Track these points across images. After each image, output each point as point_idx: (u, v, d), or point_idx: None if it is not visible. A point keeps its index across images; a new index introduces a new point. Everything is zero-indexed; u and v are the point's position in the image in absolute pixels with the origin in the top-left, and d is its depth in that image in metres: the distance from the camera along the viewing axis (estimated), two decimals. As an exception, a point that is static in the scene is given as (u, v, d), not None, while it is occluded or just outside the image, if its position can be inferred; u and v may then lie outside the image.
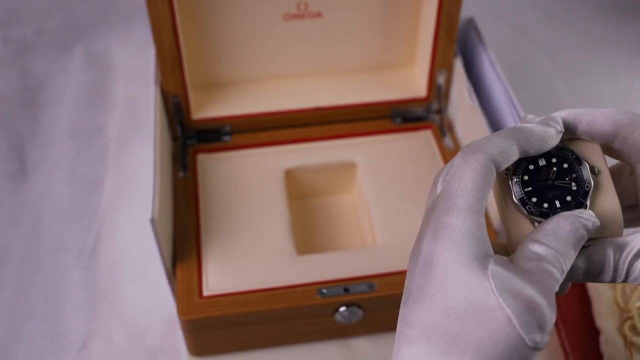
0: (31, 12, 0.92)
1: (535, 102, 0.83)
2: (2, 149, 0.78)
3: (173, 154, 0.67)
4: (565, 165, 0.37)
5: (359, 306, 0.57)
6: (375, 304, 0.57)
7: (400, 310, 0.34)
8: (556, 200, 0.37)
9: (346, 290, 0.56)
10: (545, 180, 0.37)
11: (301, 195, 0.69)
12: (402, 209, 0.63)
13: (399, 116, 0.71)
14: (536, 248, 0.34)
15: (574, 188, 0.37)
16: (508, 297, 0.31)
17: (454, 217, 0.34)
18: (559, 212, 0.36)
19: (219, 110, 0.69)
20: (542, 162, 0.38)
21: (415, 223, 0.62)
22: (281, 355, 0.60)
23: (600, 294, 0.60)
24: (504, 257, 0.34)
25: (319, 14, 0.67)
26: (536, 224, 0.37)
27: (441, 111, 0.71)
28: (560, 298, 0.61)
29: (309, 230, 0.67)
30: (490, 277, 0.32)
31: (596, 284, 0.60)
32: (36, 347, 0.62)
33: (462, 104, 0.68)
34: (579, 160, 0.37)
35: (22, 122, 0.81)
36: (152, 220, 0.52)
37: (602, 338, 0.57)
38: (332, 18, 0.67)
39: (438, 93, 0.70)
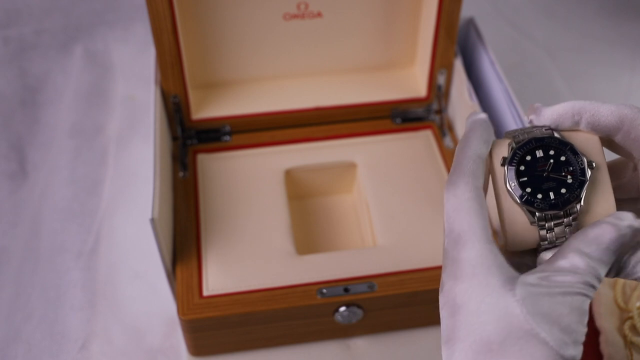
0: (31, 12, 0.92)
1: (535, 102, 0.83)
2: (1, 149, 0.78)
3: (173, 154, 0.67)
4: (563, 158, 0.37)
5: (359, 306, 0.57)
6: (375, 304, 0.57)
7: (442, 352, 0.34)
8: (551, 191, 0.37)
9: (346, 290, 0.56)
10: (542, 171, 0.37)
11: (301, 195, 0.69)
12: (402, 209, 0.63)
13: (399, 116, 0.71)
14: (575, 260, 0.34)
15: (570, 181, 0.37)
16: (541, 321, 0.31)
17: (468, 252, 0.34)
18: (552, 203, 0.36)
19: (219, 110, 0.69)
20: (539, 154, 0.38)
21: (415, 223, 0.62)
22: (281, 355, 0.60)
23: (600, 294, 0.60)
24: (531, 275, 0.33)
25: (319, 14, 0.67)
26: (537, 214, 0.37)
27: (441, 111, 0.71)
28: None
29: (309, 230, 0.67)
30: (520, 303, 0.32)
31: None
32: (36, 347, 0.62)
33: (462, 104, 0.68)
34: (576, 154, 0.37)
35: (21, 122, 0.81)
36: (152, 220, 0.52)
37: (602, 338, 0.57)
38: (332, 18, 0.67)
39: (438, 93, 0.70)
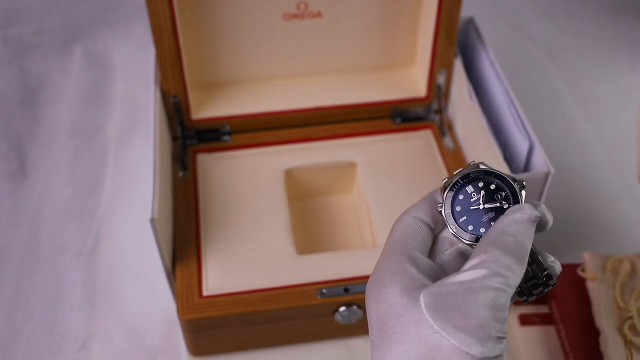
0: (31, 12, 0.92)
1: (535, 102, 0.83)
2: (1, 149, 0.78)
3: (173, 154, 0.67)
4: (493, 187, 0.38)
5: (359, 306, 0.57)
6: (376, 304, 0.57)
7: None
8: (492, 222, 0.37)
9: (346, 290, 0.56)
10: (477, 206, 0.38)
11: (301, 195, 0.69)
12: (402, 209, 0.63)
13: (399, 116, 0.71)
14: (481, 257, 0.34)
15: (506, 207, 0.37)
16: (442, 322, 0.32)
17: (383, 260, 0.37)
18: None
19: (219, 110, 0.69)
20: (470, 190, 0.38)
21: (416, 223, 0.62)
22: (281, 355, 0.60)
23: (601, 294, 0.60)
24: (438, 283, 0.34)
25: (319, 14, 0.67)
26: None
27: (441, 111, 0.71)
28: (560, 298, 0.61)
29: (309, 230, 0.67)
30: (423, 308, 0.33)
31: (596, 284, 0.60)
32: (36, 347, 0.62)
33: (462, 104, 0.68)
34: (503, 179, 0.38)
35: (21, 122, 0.81)
36: (152, 220, 0.52)
37: (602, 338, 0.57)
38: (332, 18, 0.67)
39: (438, 93, 0.70)
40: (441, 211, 0.38)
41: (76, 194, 0.73)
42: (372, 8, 0.67)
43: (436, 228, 0.39)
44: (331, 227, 0.67)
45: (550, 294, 0.62)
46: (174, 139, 0.68)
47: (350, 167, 0.68)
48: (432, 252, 0.39)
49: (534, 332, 0.61)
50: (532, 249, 0.36)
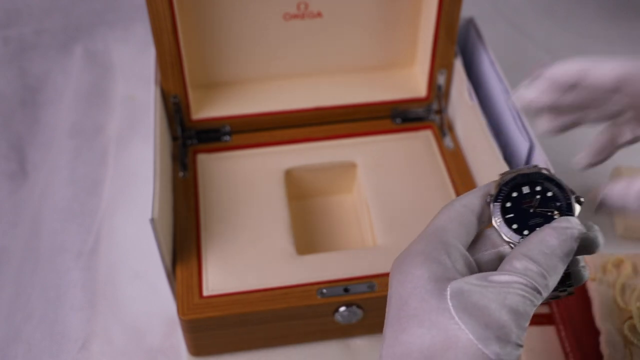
0: (31, 12, 0.92)
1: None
2: (2, 149, 0.78)
3: (173, 154, 0.67)
4: (550, 194, 0.37)
5: (359, 306, 0.57)
6: (375, 304, 0.57)
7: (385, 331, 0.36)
8: (537, 227, 0.37)
9: (346, 290, 0.56)
10: (528, 207, 0.37)
11: (301, 195, 0.69)
12: (402, 209, 0.63)
13: (399, 116, 0.71)
14: (517, 264, 0.34)
15: (556, 216, 0.37)
16: (464, 315, 0.32)
17: (420, 241, 0.36)
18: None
19: (219, 110, 0.69)
20: (526, 190, 0.38)
21: (415, 223, 0.62)
22: (281, 355, 0.60)
23: (601, 294, 0.60)
24: (471, 276, 0.34)
25: (319, 14, 0.67)
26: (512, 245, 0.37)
27: (441, 111, 0.71)
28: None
29: (309, 230, 0.67)
30: (448, 297, 0.33)
31: (596, 284, 0.60)
32: (36, 347, 0.62)
33: (462, 104, 0.68)
34: (562, 189, 0.37)
35: (21, 122, 0.81)
36: (152, 220, 0.52)
37: (602, 338, 0.57)
38: (332, 18, 0.67)
39: (438, 93, 0.70)
40: (490, 202, 0.38)
41: (76, 194, 0.73)
42: (372, 8, 0.67)
43: (483, 222, 0.38)
44: (331, 227, 0.67)
45: (550, 294, 0.62)
46: (174, 139, 0.68)
47: (350, 167, 0.68)
48: (471, 246, 0.38)
49: (534, 332, 0.61)
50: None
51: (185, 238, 0.60)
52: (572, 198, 0.37)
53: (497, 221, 0.37)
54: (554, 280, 0.34)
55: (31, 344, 0.62)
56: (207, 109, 0.69)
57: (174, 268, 0.58)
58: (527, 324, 0.33)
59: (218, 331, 0.57)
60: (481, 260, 0.38)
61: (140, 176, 0.74)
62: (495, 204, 0.38)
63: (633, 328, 0.57)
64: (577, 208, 0.37)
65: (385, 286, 0.56)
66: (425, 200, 0.64)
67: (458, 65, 0.68)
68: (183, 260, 0.59)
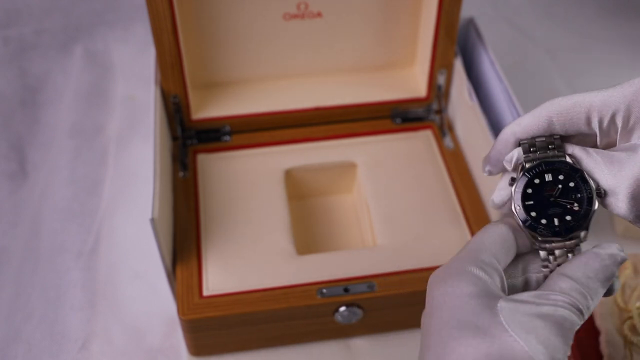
0: (31, 12, 0.92)
1: (535, 102, 0.83)
2: (1, 149, 0.78)
3: (173, 154, 0.67)
4: (572, 184, 0.37)
5: (359, 306, 0.57)
6: (375, 304, 0.57)
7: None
8: (555, 218, 0.36)
9: (346, 290, 0.56)
10: (549, 196, 0.37)
11: (301, 195, 0.69)
12: (402, 209, 0.63)
13: (399, 116, 0.71)
14: (563, 284, 0.35)
15: (576, 209, 0.36)
16: (517, 329, 0.33)
17: (466, 256, 0.36)
18: (556, 230, 0.36)
19: (219, 110, 0.69)
20: (548, 178, 0.37)
21: (415, 223, 0.62)
22: (281, 355, 0.60)
23: (601, 294, 0.60)
24: (520, 294, 0.35)
25: (319, 14, 0.67)
26: (538, 241, 0.37)
27: (441, 111, 0.71)
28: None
29: (309, 230, 0.67)
30: (499, 313, 0.33)
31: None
32: (36, 347, 0.62)
33: (462, 104, 0.68)
34: (585, 181, 0.37)
35: (21, 122, 0.81)
36: (152, 220, 0.52)
37: (602, 338, 0.57)
38: (332, 18, 0.67)
39: (438, 93, 0.70)
40: (511, 185, 0.38)
41: (76, 194, 0.73)
42: (372, 8, 0.67)
43: (520, 246, 0.38)
44: (331, 227, 0.67)
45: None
46: (174, 138, 0.68)
47: (350, 167, 0.68)
48: (505, 270, 0.38)
49: (534, 332, 0.61)
50: None
51: (185, 238, 0.60)
52: (594, 191, 0.36)
53: (516, 208, 0.37)
54: (594, 303, 0.35)
55: (31, 344, 0.62)
56: (207, 109, 0.69)
57: (174, 268, 0.58)
58: (571, 342, 0.34)
59: (218, 331, 0.57)
60: (511, 283, 0.38)
61: (140, 176, 0.74)
62: (517, 189, 0.37)
63: (633, 328, 0.57)
64: (597, 202, 0.36)
65: (386, 286, 0.57)
66: (425, 200, 0.64)
67: (458, 65, 0.68)
68: (183, 260, 0.59)
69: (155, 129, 0.59)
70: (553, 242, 0.37)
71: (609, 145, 0.38)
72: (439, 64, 0.68)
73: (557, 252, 0.37)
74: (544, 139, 0.38)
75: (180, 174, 0.66)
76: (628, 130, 0.37)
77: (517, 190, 0.37)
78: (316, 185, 0.69)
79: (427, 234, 0.61)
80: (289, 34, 0.68)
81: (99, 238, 0.70)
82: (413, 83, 0.72)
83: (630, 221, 0.37)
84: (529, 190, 0.37)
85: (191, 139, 0.69)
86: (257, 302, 0.56)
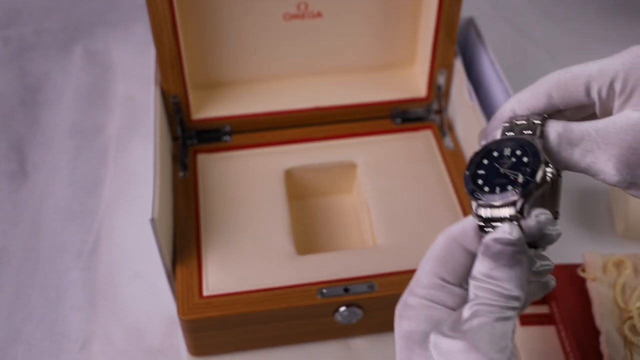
0: (31, 12, 0.92)
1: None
2: (1, 149, 0.78)
3: (173, 154, 0.67)
4: (525, 159, 0.36)
5: (359, 306, 0.57)
6: (375, 304, 0.57)
7: None
8: (498, 187, 0.36)
9: (346, 290, 0.56)
10: (499, 167, 0.37)
11: (301, 195, 0.69)
12: (402, 209, 0.63)
13: (399, 116, 0.71)
14: (472, 287, 0.34)
15: (520, 180, 0.36)
16: None
17: (407, 296, 0.36)
18: (493, 196, 0.36)
19: (219, 110, 0.69)
20: (507, 152, 0.37)
21: (415, 223, 0.62)
22: (281, 355, 0.60)
23: (601, 294, 0.60)
24: (456, 314, 0.34)
25: (319, 14, 0.67)
26: (475, 203, 0.36)
27: (441, 111, 0.71)
28: (561, 298, 0.61)
29: (309, 230, 0.67)
30: (430, 347, 0.33)
31: (596, 284, 0.60)
32: (36, 347, 0.62)
33: (462, 104, 0.68)
34: (537, 157, 0.36)
35: (21, 122, 0.81)
36: (152, 220, 0.52)
37: (602, 338, 0.57)
38: (332, 18, 0.67)
39: (438, 93, 0.70)
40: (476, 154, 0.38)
41: (76, 194, 0.73)
42: (372, 8, 0.67)
43: (472, 248, 0.37)
44: (331, 227, 0.67)
45: (550, 293, 0.62)
46: (174, 139, 0.68)
47: (350, 167, 0.68)
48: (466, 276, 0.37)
49: (534, 332, 0.61)
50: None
51: (185, 238, 0.60)
52: (541, 165, 0.36)
53: (466, 172, 0.37)
54: (514, 286, 0.33)
55: (31, 344, 0.62)
56: (207, 109, 0.69)
57: (174, 268, 0.58)
58: (509, 340, 0.33)
59: (218, 331, 0.57)
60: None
61: (140, 176, 0.74)
62: (473, 157, 0.38)
63: (633, 328, 0.57)
64: (540, 174, 0.35)
65: (386, 286, 0.57)
66: (425, 200, 0.64)
67: (458, 65, 0.68)
68: (183, 260, 0.59)
69: (155, 129, 0.59)
70: (488, 207, 0.36)
71: (607, 116, 0.38)
72: (439, 64, 0.68)
73: (494, 224, 0.36)
74: (524, 122, 0.38)
75: (180, 174, 0.66)
76: (625, 99, 0.36)
77: (473, 159, 0.38)
78: (316, 185, 0.69)
79: (427, 234, 0.61)
80: (289, 34, 0.68)
81: (99, 238, 0.70)
82: (413, 83, 0.72)
83: (624, 189, 0.36)
84: (485, 161, 0.37)
85: (191, 139, 0.69)
86: (257, 302, 0.56)
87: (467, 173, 0.37)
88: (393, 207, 0.64)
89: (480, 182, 0.37)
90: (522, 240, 0.34)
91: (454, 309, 0.36)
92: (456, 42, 0.67)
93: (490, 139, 0.40)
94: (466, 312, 0.34)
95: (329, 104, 0.70)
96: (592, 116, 0.39)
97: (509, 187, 0.36)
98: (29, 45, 0.89)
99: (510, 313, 0.33)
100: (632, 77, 0.36)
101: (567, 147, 0.36)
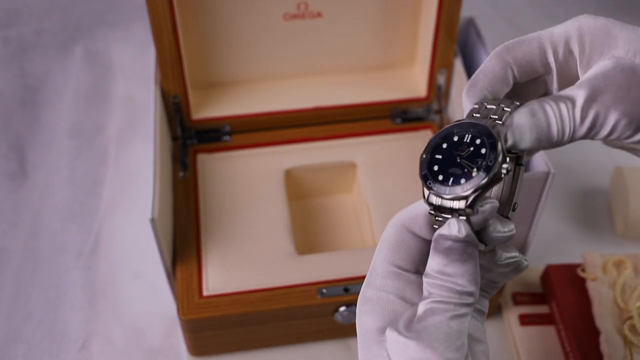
0: (31, 12, 0.92)
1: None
2: (2, 149, 0.78)
3: (173, 154, 0.67)
4: (483, 151, 0.35)
5: (359, 306, 0.57)
6: (375, 304, 0.57)
7: None
8: (452, 177, 0.34)
9: (346, 290, 0.57)
10: (457, 155, 0.35)
11: (301, 195, 0.69)
12: (402, 209, 0.63)
13: (399, 116, 0.71)
14: (425, 284, 0.33)
15: (474, 174, 0.34)
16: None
17: (364, 289, 0.35)
18: (444, 187, 0.34)
19: (219, 110, 0.69)
20: (467, 138, 0.35)
21: (415, 223, 0.62)
22: (281, 355, 0.60)
23: (601, 294, 0.60)
24: (408, 315, 0.34)
25: (319, 14, 0.67)
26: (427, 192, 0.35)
27: (441, 111, 0.71)
28: (561, 298, 0.61)
29: (309, 230, 0.67)
30: (386, 346, 0.33)
31: (596, 284, 0.60)
32: (36, 347, 0.62)
33: (462, 104, 0.68)
34: (495, 150, 0.34)
35: (21, 122, 0.81)
36: (152, 220, 0.52)
37: (602, 338, 0.57)
38: (332, 18, 0.67)
39: (438, 93, 0.70)
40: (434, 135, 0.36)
41: (76, 194, 0.73)
42: (372, 8, 0.67)
43: (424, 234, 0.36)
44: (331, 227, 0.67)
45: (550, 294, 0.62)
46: (174, 138, 0.68)
47: (350, 167, 0.68)
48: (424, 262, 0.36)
49: (533, 332, 0.61)
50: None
51: (185, 238, 0.60)
52: (497, 163, 0.34)
53: (423, 156, 0.36)
54: (467, 281, 0.33)
55: (31, 344, 0.62)
56: (207, 109, 0.69)
57: (174, 268, 0.58)
58: (462, 339, 0.32)
59: (218, 331, 0.57)
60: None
61: (140, 176, 0.74)
62: (434, 140, 0.36)
63: (633, 328, 0.57)
64: (494, 171, 0.34)
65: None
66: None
67: (458, 65, 0.68)
68: (183, 260, 0.59)
69: (155, 129, 0.59)
70: (440, 197, 0.35)
71: (568, 85, 0.36)
72: (439, 64, 0.68)
73: (443, 214, 0.35)
74: (494, 107, 0.37)
75: (180, 174, 0.66)
76: (587, 60, 0.35)
77: (431, 141, 0.36)
78: (316, 185, 0.69)
79: (427, 234, 0.61)
80: (289, 34, 0.68)
81: (99, 238, 0.70)
82: (413, 83, 0.72)
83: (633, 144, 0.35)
84: (444, 145, 0.36)
85: (191, 139, 0.69)
86: (257, 302, 0.56)
87: (424, 156, 0.36)
88: (393, 207, 0.64)
89: (435, 168, 0.35)
90: (471, 236, 0.33)
91: (411, 302, 0.35)
92: (456, 42, 0.67)
93: (475, 98, 0.38)
94: (420, 309, 0.33)
95: (329, 104, 0.70)
96: (545, 94, 0.37)
97: (462, 181, 0.34)
98: (29, 45, 0.89)
99: (464, 310, 0.32)
100: (587, 38, 0.35)
101: (558, 118, 0.34)
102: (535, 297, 0.64)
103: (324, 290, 0.56)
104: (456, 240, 0.33)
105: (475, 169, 0.34)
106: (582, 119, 0.34)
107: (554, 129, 0.34)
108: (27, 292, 0.66)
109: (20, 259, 0.68)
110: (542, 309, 0.63)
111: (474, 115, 0.37)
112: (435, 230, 0.35)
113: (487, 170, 0.34)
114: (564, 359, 0.59)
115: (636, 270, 0.62)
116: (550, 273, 0.62)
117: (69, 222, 0.71)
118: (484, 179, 0.34)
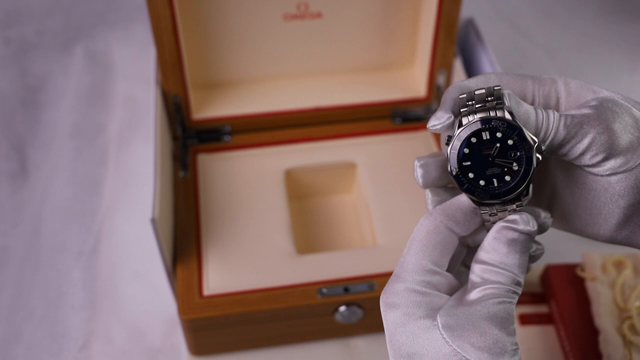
0: (31, 12, 0.92)
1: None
2: (2, 149, 0.78)
3: (173, 154, 0.67)
4: (510, 142, 0.34)
5: (359, 306, 0.57)
6: (375, 304, 0.57)
7: None
8: (494, 178, 0.34)
9: (346, 290, 0.57)
10: (487, 155, 0.34)
11: (301, 195, 0.69)
12: (402, 209, 0.63)
13: (399, 116, 0.71)
14: (480, 271, 0.34)
15: (515, 168, 0.34)
16: (460, 342, 0.32)
17: (397, 284, 0.35)
18: (495, 193, 0.34)
19: (219, 110, 0.69)
20: (485, 136, 0.34)
21: (415, 223, 0.62)
22: (281, 355, 0.61)
23: (600, 293, 0.60)
24: (454, 298, 0.34)
25: (319, 14, 0.67)
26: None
27: (441, 111, 0.71)
28: (560, 298, 0.61)
29: (309, 230, 0.67)
30: (440, 328, 0.33)
31: (595, 284, 0.60)
32: (36, 347, 0.62)
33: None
34: (524, 139, 0.34)
35: (22, 122, 0.81)
36: (153, 220, 0.52)
37: (601, 338, 0.57)
38: (332, 18, 0.67)
39: (438, 93, 0.71)
40: (446, 144, 0.35)
41: (77, 194, 0.73)
42: (372, 8, 0.67)
43: (460, 231, 0.36)
44: (331, 227, 0.67)
45: (550, 293, 0.62)
46: (175, 138, 0.68)
47: (350, 167, 0.68)
48: (453, 259, 0.37)
49: (533, 332, 0.61)
50: None
51: (185, 238, 0.60)
52: (533, 149, 0.34)
53: (453, 170, 0.35)
54: (522, 275, 0.34)
55: (32, 343, 0.62)
56: (208, 109, 0.69)
57: (174, 268, 0.59)
58: (514, 324, 0.33)
59: (218, 331, 0.57)
60: (461, 270, 0.38)
61: (140, 176, 0.74)
62: (453, 150, 0.35)
63: (632, 327, 0.57)
64: (535, 159, 0.34)
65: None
66: (425, 200, 0.64)
67: (458, 66, 0.68)
68: (183, 259, 0.59)
69: (155, 129, 0.59)
70: (493, 204, 0.35)
71: None
72: (438, 64, 0.68)
73: (500, 214, 0.35)
74: (483, 90, 0.35)
75: (181, 174, 0.66)
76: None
77: (452, 152, 0.35)
78: (316, 185, 0.69)
79: (427, 234, 0.61)
80: (289, 34, 0.68)
81: (99, 238, 0.70)
82: (413, 83, 0.72)
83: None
84: (466, 150, 0.35)
85: (191, 139, 0.69)
86: (257, 302, 0.56)
87: (453, 171, 0.35)
88: (393, 207, 0.64)
89: (471, 175, 0.34)
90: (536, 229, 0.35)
91: (445, 293, 0.35)
92: (456, 42, 0.67)
93: (439, 116, 0.37)
94: (474, 295, 0.34)
95: (329, 104, 0.70)
96: None
97: (508, 178, 0.34)
98: (29, 45, 0.89)
99: (514, 298, 0.34)
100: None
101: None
102: (534, 296, 0.64)
103: (324, 290, 0.56)
104: (524, 232, 0.34)
105: (514, 163, 0.34)
106: (566, 124, 0.35)
107: (540, 118, 0.35)
108: (27, 292, 0.66)
109: (21, 258, 0.68)
110: (542, 309, 0.63)
111: (468, 105, 0.35)
112: (485, 222, 0.36)
113: (529, 161, 0.34)
114: (563, 358, 0.59)
115: (635, 270, 0.62)
116: (549, 273, 0.62)
117: (70, 222, 0.71)
118: (530, 170, 0.34)
